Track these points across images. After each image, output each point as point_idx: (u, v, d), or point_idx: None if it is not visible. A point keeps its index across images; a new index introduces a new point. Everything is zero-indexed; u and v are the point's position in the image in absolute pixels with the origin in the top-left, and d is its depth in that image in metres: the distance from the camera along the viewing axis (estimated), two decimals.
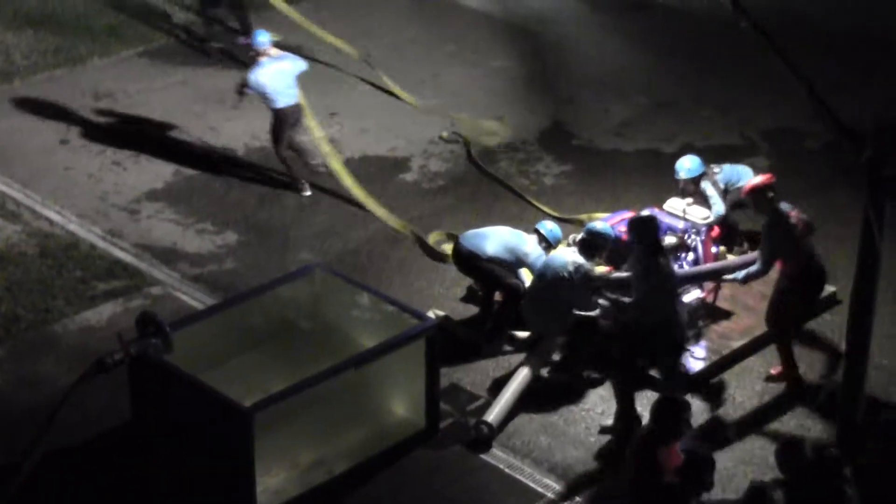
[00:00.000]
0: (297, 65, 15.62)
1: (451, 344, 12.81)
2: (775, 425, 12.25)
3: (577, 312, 12.57)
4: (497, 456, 11.87)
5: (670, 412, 9.97)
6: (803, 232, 12.43)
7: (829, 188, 15.92)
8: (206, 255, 14.62)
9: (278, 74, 15.42)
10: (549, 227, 13.27)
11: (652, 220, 12.39)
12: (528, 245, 13.07)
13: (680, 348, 12.28)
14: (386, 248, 14.79)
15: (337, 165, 15.75)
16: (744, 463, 11.81)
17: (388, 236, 14.94)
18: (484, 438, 11.96)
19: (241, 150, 16.59)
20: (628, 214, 13.52)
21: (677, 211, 13.62)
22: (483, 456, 11.87)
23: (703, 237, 13.43)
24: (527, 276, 13.14)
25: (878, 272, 10.43)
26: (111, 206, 15.43)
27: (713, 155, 16.60)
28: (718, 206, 13.90)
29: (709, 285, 13.41)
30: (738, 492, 11.35)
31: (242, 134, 16.90)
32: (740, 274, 12.71)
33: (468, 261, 13.23)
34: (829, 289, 13.87)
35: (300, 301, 12.54)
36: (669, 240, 13.18)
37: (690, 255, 13.37)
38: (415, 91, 18.12)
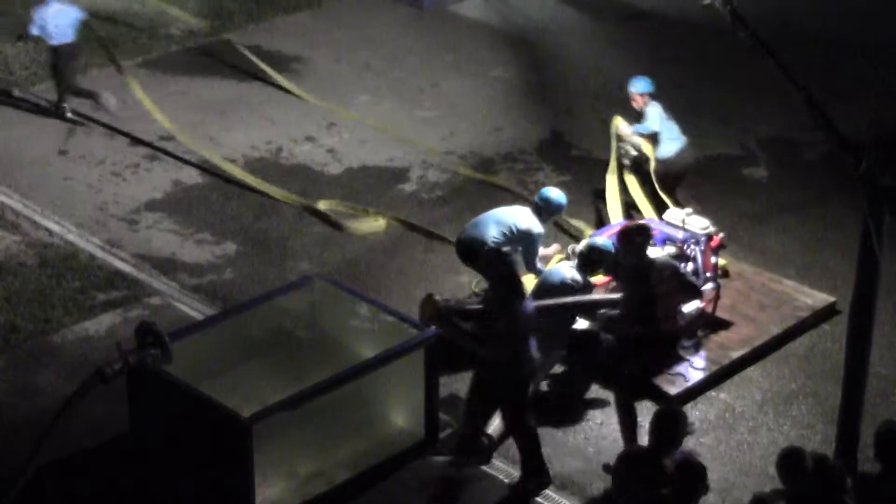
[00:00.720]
0: (75, 12, 17.51)
1: (450, 353, 12.80)
2: (775, 435, 12.25)
3: (577, 327, 12.59)
4: (496, 467, 11.84)
5: (668, 424, 9.93)
6: (664, 291, 11.86)
7: (828, 198, 15.93)
8: (205, 266, 14.61)
9: (60, 14, 17.29)
10: (553, 194, 13.25)
11: (504, 255, 11.92)
12: (523, 220, 13.08)
13: (525, 385, 11.65)
14: (384, 258, 14.79)
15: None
16: (743, 474, 11.80)
17: (386, 246, 14.94)
18: (483, 449, 11.95)
19: (240, 160, 16.59)
20: (626, 224, 13.51)
21: (676, 221, 13.60)
22: (482, 467, 11.84)
23: (702, 247, 13.41)
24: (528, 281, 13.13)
25: (877, 282, 10.42)
26: (110, 217, 15.43)
27: (713, 164, 16.67)
28: (651, 123, 14.77)
29: (708, 295, 13.40)
30: (737, 503, 11.36)
31: (241, 144, 16.92)
32: (602, 315, 12.33)
33: (469, 249, 13.21)
34: (829, 299, 13.89)
35: (299, 311, 12.52)
36: (669, 250, 13.18)
37: (690, 265, 13.35)
38: (413, 101, 18.14)
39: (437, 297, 12.74)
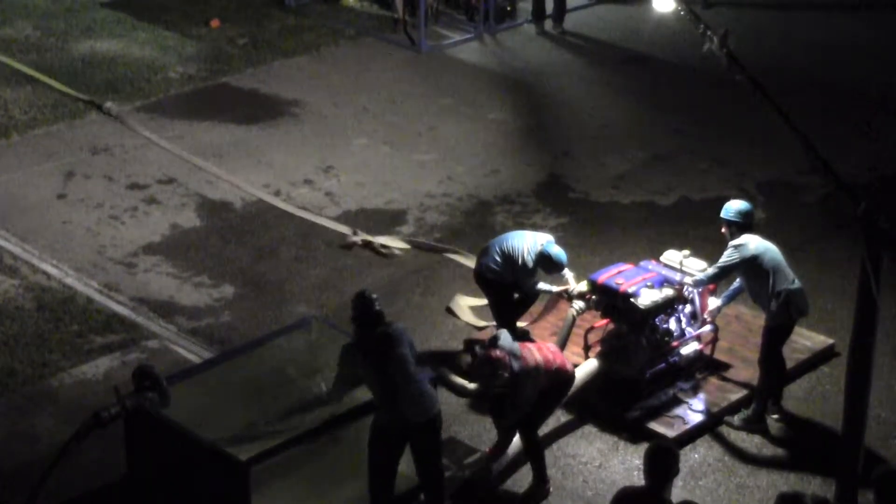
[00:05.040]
0: None
1: (448, 396, 12.79)
2: (775, 478, 12.22)
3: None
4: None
5: (663, 459, 9.85)
6: (539, 372, 11.61)
7: (826, 241, 15.95)
8: (202, 309, 14.61)
9: None
10: (553, 251, 13.25)
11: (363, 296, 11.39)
12: (518, 251, 13.11)
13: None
14: (382, 301, 14.69)
15: None
16: None
17: (385, 289, 14.92)
18: (487, 483, 11.92)
19: (238, 203, 16.61)
20: (625, 267, 13.51)
21: (674, 263, 13.60)
22: None
23: (700, 289, 13.40)
24: None
25: (875, 324, 10.42)
26: (108, 260, 15.43)
27: (710, 207, 16.67)
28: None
29: (706, 337, 13.41)
30: None
31: (239, 187, 16.93)
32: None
33: (477, 276, 13.36)
34: (828, 341, 13.88)
35: (297, 354, 12.51)
36: (667, 292, 13.16)
37: (688, 308, 13.35)
38: (411, 144, 18.18)
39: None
